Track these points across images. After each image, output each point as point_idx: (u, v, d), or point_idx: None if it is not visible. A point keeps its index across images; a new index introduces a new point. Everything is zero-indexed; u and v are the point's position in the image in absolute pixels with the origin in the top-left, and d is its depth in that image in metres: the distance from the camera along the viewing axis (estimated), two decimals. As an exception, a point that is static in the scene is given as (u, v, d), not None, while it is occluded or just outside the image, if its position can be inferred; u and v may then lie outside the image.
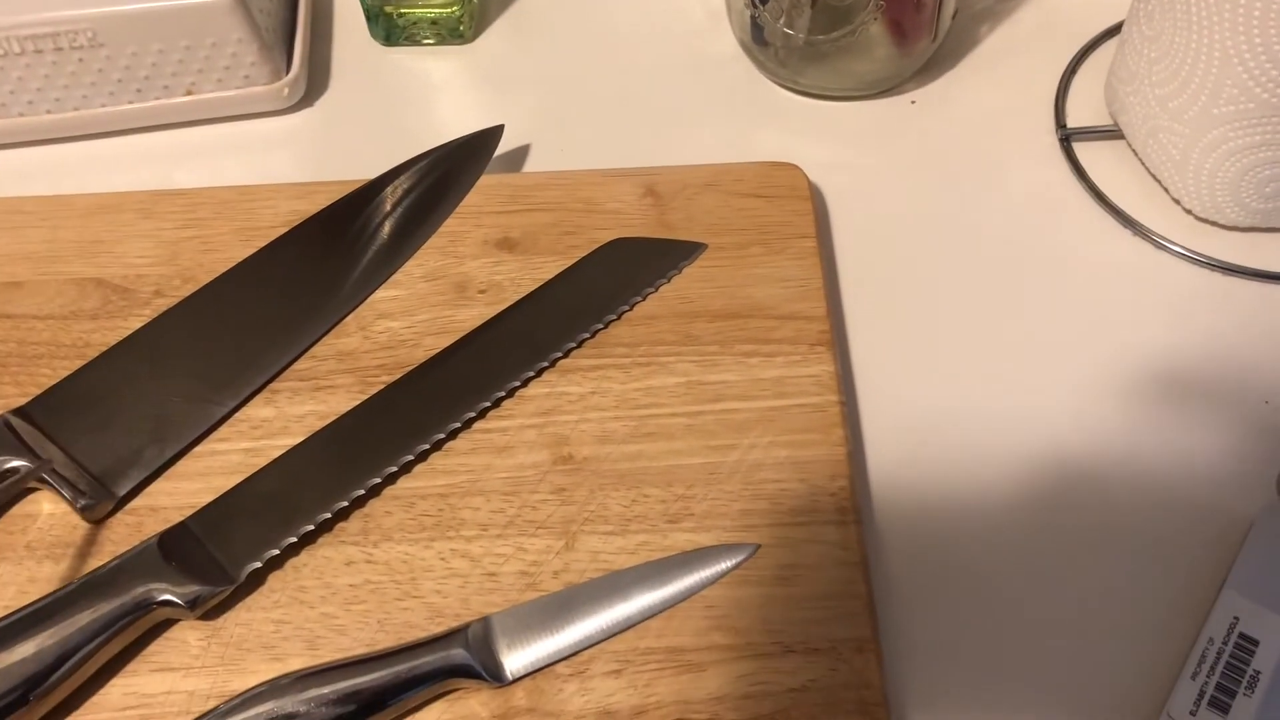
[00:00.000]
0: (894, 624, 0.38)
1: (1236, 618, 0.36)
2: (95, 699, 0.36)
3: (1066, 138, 0.50)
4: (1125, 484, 0.41)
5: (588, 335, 0.43)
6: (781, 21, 0.49)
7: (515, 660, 0.36)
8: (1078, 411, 0.42)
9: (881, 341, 0.44)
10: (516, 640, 0.36)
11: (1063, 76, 0.52)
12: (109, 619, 0.35)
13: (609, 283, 0.44)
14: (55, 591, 0.36)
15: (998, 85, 0.53)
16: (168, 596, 0.36)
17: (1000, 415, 0.42)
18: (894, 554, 0.39)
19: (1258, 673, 0.35)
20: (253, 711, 0.34)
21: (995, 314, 0.45)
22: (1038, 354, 0.44)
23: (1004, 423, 0.42)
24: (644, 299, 0.44)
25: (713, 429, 0.41)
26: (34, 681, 0.34)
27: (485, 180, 0.47)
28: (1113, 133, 0.49)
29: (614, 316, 0.43)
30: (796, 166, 0.47)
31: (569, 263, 0.45)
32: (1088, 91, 0.52)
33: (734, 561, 0.38)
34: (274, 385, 0.42)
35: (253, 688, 0.34)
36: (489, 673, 0.35)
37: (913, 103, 0.52)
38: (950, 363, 0.44)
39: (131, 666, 0.36)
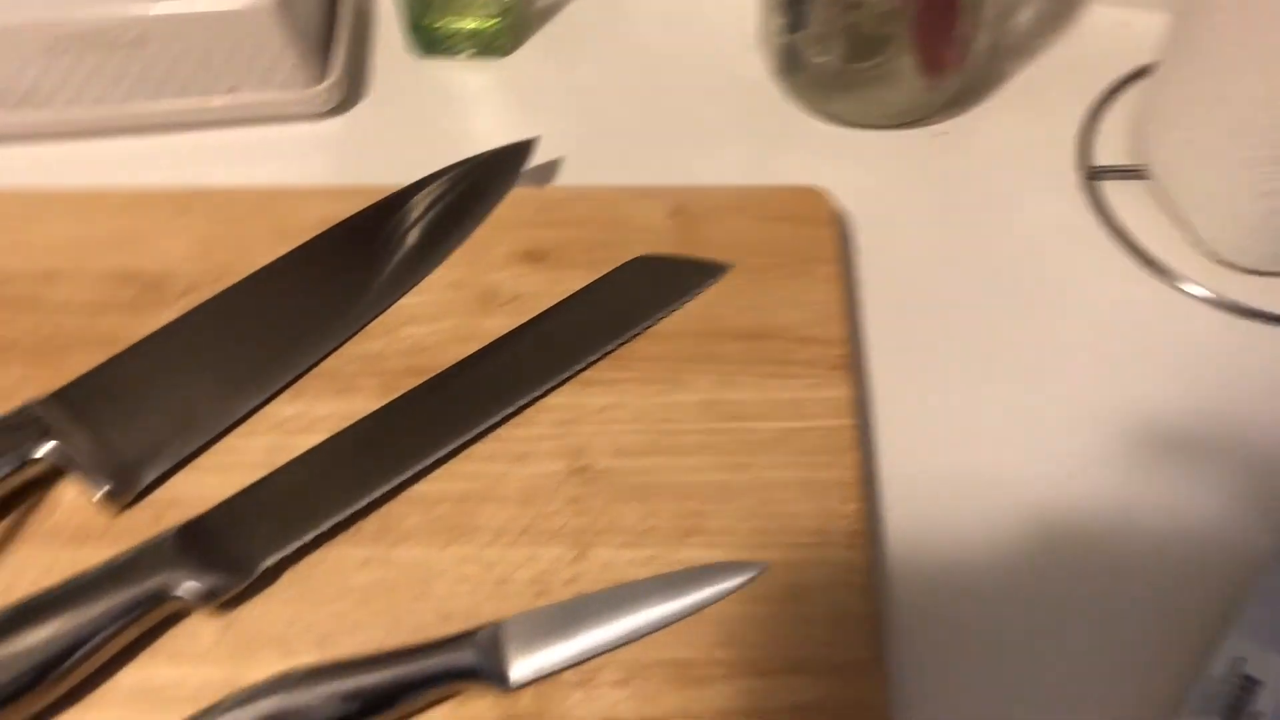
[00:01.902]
0: (900, 648, 0.38)
1: (1242, 659, 0.36)
2: (107, 685, 0.36)
3: (1091, 175, 0.50)
4: (1136, 523, 0.41)
5: (610, 349, 0.43)
6: (814, 49, 0.49)
7: (523, 666, 0.36)
8: (1090, 448, 0.43)
9: (901, 368, 0.45)
10: (525, 646, 0.36)
11: (1089, 115, 0.53)
12: (125, 607, 0.36)
13: (633, 298, 0.44)
14: (73, 578, 0.36)
15: (1025, 121, 0.53)
16: (184, 588, 0.36)
17: (1014, 449, 0.43)
18: (903, 579, 0.40)
19: (1259, 713, 0.35)
20: (261, 705, 0.34)
21: (1013, 347, 0.45)
22: (1053, 389, 0.44)
23: (1017, 456, 0.42)
24: (667, 316, 0.44)
25: (728, 447, 0.41)
26: (48, 666, 0.35)
27: (515, 193, 0.47)
28: (1136, 172, 0.50)
29: (636, 331, 0.44)
30: (822, 192, 0.48)
31: (594, 277, 0.45)
32: (1113, 130, 0.52)
33: (743, 579, 0.38)
34: (298, 384, 0.43)
35: (262, 681, 0.35)
36: (496, 677, 0.36)
37: (940, 134, 0.53)
38: (966, 392, 0.44)
39: (145, 655, 0.37)
